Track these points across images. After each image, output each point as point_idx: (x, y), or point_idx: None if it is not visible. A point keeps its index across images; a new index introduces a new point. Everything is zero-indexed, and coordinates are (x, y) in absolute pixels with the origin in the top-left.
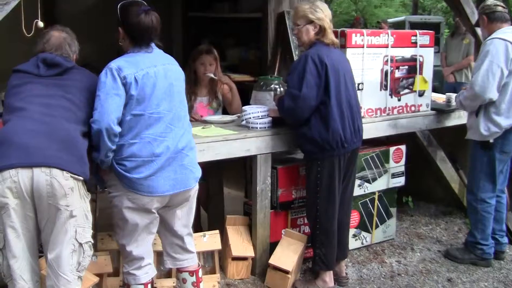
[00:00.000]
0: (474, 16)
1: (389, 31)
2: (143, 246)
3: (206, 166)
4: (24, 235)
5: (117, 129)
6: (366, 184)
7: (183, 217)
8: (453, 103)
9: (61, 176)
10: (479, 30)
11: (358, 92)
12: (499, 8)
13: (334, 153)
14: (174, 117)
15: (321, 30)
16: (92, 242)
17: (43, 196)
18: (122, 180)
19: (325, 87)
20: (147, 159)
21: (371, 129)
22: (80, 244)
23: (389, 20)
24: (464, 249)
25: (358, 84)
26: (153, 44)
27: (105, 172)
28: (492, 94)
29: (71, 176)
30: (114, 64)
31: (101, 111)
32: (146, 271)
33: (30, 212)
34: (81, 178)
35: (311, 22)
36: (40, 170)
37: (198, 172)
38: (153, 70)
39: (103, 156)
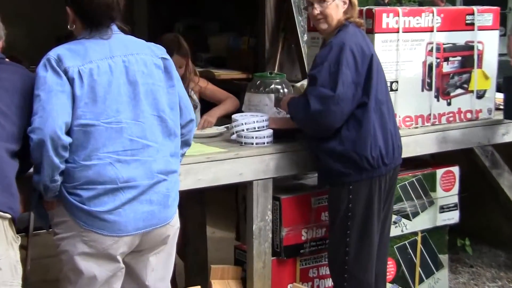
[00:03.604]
0: None
1: (444, 6)
2: None
3: (184, 197)
4: None
5: (66, 139)
6: (404, 221)
7: (159, 267)
8: None
9: None
10: None
11: (392, 94)
12: None
13: (375, 173)
14: (145, 128)
15: (352, 6)
16: None
17: None
18: (76, 215)
19: (365, 85)
20: (111, 187)
21: (410, 144)
22: None
23: None
24: None
25: (391, 83)
26: (114, 27)
27: (50, 204)
28: None
29: None
30: (53, 53)
31: (44, 115)
32: None
33: None
34: (7, 215)
35: None
36: None
37: (177, 202)
38: (108, 63)
39: (48, 180)
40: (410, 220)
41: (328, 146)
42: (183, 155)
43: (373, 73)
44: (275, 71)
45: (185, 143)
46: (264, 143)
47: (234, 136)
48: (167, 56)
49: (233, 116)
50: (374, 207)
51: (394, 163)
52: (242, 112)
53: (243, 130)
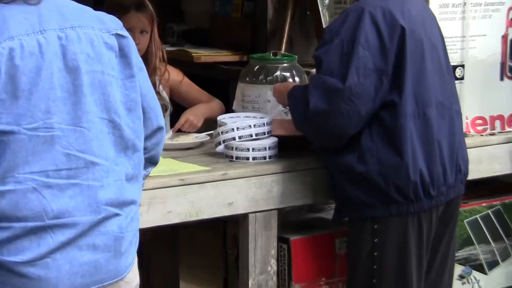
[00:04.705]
0: None
1: None
2: None
3: (147, 239)
4: None
5: None
6: (476, 274)
7: None
8: None
9: None
10: None
11: (457, 84)
12: None
13: (410, 208)
14: (89, 138)
15: None
16: None
17: None
18: None
19: (395, 74)
20: (34, 225)
21: (483, 159)
22: None
23: None
24: None
25: (455, 68)
26: None
27: None
28: None
29: None
30: None
31: None
32: None
33: None
34: None
35: None
36: None
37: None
38: (36, 39)
39: None
40: (486, 274)
41: (344, 162)
42: (145, 177)
43: (406, 56)
44: (282, 50)
45: (150, 161)
46: (265, 158)
47: (220, 148)
48: (125, 33)
49: (220, 118)
50: (410, 258)
51: (449, 194)
52: (233, 111)
53: (234, 139)
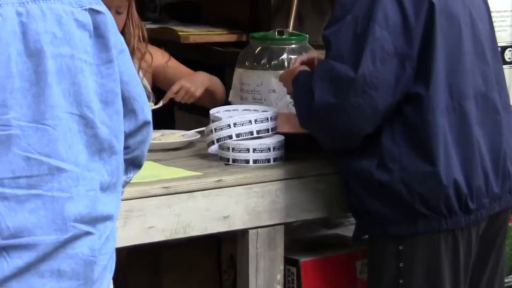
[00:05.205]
0: None
1: None
2: None
3: (123, 262)
4: None
5: None
6: None
7: None
8: None
9: None
10: None
11: (506, 70)
12: None
13: (443, 225)
14: (54, 138)
15: None
16: None
17: None
18: None
19: (422, 60)
20: None
21: None
22: None
23: None
24: None
25: (504, 50)
26: None
27: None
28: None
29: None
30: None
31: None
32: None
33: None
34: None
35: None
36: None
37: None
38: None
39: None
40: None
41: (360, 167)
42: (126, 184)
43: (436, 37)
44: (289, 29)
45: (133, 163)
46: (268, 161)
47: (214, 148)
48: (101, 7)
49: (212, 111)
50: (443, 286)
51: (493, 207)
52: (229, 103)
53: (230, 137)
